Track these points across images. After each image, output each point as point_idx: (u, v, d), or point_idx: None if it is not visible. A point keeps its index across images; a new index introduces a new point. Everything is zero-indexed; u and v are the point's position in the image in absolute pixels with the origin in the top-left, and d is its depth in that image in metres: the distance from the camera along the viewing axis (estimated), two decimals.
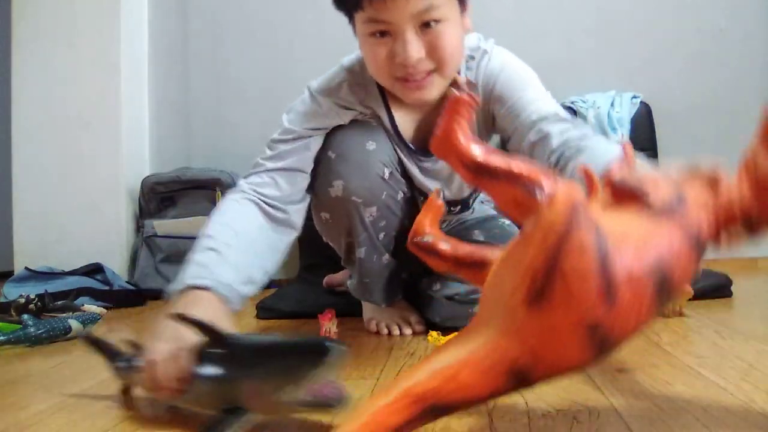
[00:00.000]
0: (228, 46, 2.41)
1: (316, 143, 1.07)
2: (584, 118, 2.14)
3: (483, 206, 1.35)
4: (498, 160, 0.47)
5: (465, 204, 1.28)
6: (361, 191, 1.08)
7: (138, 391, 0.78)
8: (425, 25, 0.92)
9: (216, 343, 0.67)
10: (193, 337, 0.68)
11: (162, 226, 1.97)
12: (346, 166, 1.07)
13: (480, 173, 0.47)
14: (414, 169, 1.15)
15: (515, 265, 0.46)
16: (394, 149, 1.12)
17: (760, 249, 2.23)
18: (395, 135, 1.11)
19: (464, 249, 0.61)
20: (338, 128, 1.09)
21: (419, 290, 1.27)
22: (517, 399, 0.78)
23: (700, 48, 2.30)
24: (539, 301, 0.44)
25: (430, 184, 1.16)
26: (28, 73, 2.06)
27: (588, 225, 0.43)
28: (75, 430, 0.72)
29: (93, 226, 2.00)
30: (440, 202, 0.65)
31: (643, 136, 2.16)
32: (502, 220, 1.27)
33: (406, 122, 1.11)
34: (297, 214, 1.03)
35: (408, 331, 1.19)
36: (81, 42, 2.05)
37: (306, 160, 1.05)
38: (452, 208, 1.27)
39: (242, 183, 1.02)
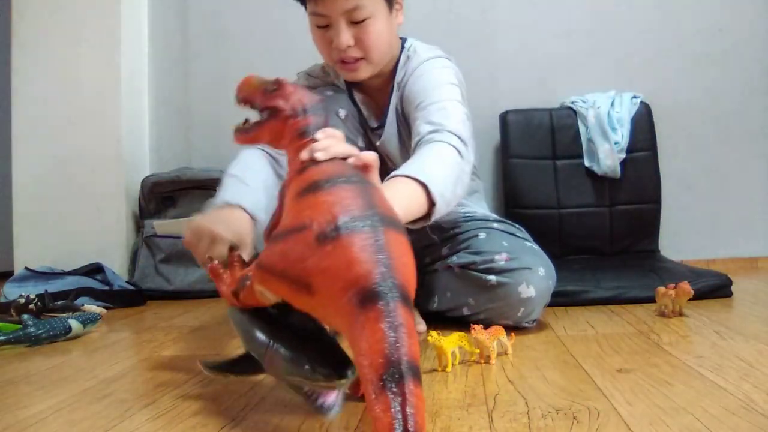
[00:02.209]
0: (228, 46, 2.41)
1: None
2: (584, 118, 2.14)
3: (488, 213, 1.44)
4: None
5: None
6: None
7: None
8: (355, 22, 1.16)
9: (280, 311, 0.75)
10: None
11: (162, 226, 1.97)
12: None
13: None
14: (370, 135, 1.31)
15: None
16: (353, 106, 1.30)
17: (760, 249, 2.24)
18: (354, 106, 1.31)
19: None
20: None
21: (423, 273, 1.32)
22: (517, 399, 0.78)
23: (700, 48, 2.29)
24: None
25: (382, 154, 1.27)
26: (28, 73, 2.05)
27: None
28: (75, 430, 0.72)
29: (93, 226, 2.00)
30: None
31: (643, 136, 2.16)
32: (519, 228, 1.39)
33: (360, 100, 1.33)
34: None
35: None
36: (81, 42, 2.04)
37: None
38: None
39: None
